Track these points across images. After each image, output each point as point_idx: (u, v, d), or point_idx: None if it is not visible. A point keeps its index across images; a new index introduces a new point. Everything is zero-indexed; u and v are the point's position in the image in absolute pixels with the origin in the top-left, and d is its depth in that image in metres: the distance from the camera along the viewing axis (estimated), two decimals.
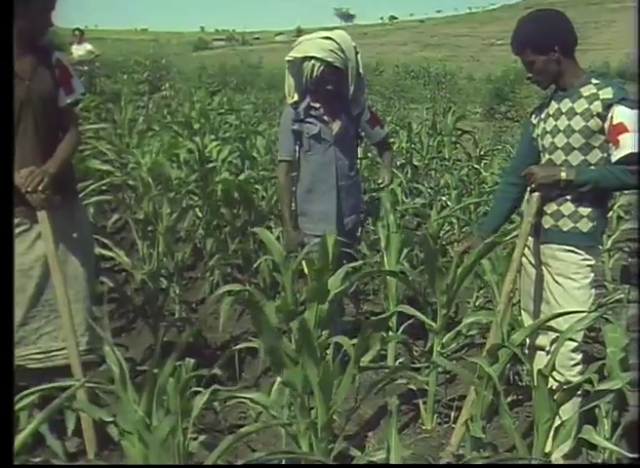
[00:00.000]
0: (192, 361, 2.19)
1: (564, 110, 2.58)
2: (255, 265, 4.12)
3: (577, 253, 2.58)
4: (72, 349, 2.45)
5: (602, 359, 2.47)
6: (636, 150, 2.40)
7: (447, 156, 7.67)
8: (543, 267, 2.71)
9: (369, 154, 6.52)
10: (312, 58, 3.22)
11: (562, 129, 2.57)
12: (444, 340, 3.04)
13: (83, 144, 5.54)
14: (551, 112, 2.65)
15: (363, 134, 3.60)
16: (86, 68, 11.68)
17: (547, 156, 2.65)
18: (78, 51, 12.14)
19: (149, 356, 3.56)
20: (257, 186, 5.16)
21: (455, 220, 5.08)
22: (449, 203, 5.23)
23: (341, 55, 3.24)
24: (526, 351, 2.78)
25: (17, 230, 2.55)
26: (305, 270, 3.00)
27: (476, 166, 6.68)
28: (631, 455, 2.08)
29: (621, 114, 2.44)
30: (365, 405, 3.04)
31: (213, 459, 1.78)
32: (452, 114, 8.67)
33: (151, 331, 3.77)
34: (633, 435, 2.23)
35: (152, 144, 5.86)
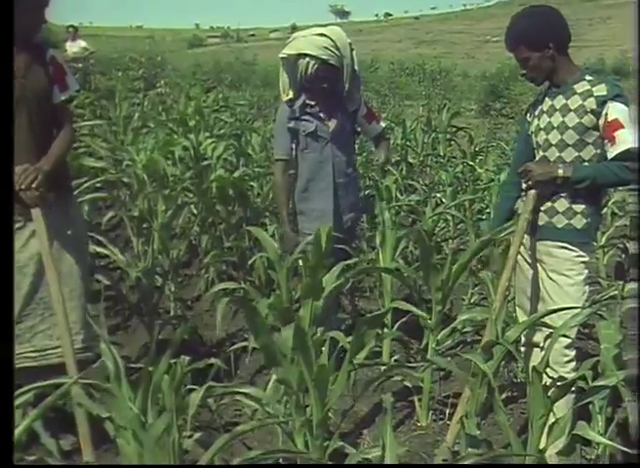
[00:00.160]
0: (187, 358, 2.19)
1: (558, 107, 2.59)
2: (250, 263, 4.12)
3: (571, 249, 2.59)
4: (67, 347, 2.44)
5: (596, 355, 2.48)
6: (634, 145, 2.41)
7: (442, 153, 7.68)
8: (538, 264, 2.71)
9: (364, 153, 6.53)
10: (306, 55, 3.20)
11: (556, 125, 2.58)
12: (439, 337, 3.05)
13: (77, 142, 5.53)
14: (545, 109, 2.65)
15: (359, 129, 3.57)
16: (80, 65, 11.64)
17: (541, 153, 2.66)
18: (72, 48, 12.10)
19: (144, 354, 3.56)
20: (252, 183, 5.16)
21: (449, 217, 5.08)
22: (444, 200, 5.23)
23: (336, 52, 3.22)
24: (521, 348, 2.79)
25: None
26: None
27: (471, 163, 6.68)
28: (631, 451, 2.09)
29: (616, 110, 2.45)
30: (360, 402, 3.05)
31: (208, 458, 1.78)
32: (447, 111, 8.68)
33: (146, 329, 3.77)
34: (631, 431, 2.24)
35: (147, 141, 5.84)
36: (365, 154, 6.82)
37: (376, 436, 2.82)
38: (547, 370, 2.46)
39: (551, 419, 2.08)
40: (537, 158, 2.69)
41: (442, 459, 2.37)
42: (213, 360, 2.38)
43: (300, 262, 3.01)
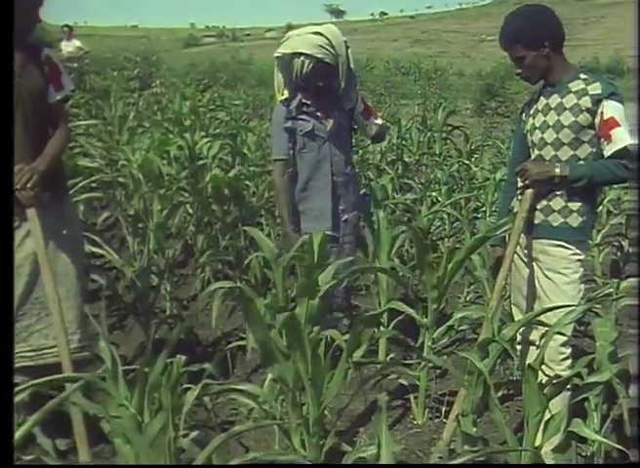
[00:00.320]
0: (183, 358, 2.19)
1: (553, 106, 2.59)
2: (246, 262, 4.12)
3: (567, 247, 2.60)
4: (63, 347, 2.44)
5: (592, 353, 2.48)
6: (630, 143, 2.42)
7: (437, 152, 7.69)
8: (534, 262, 2.72)
9: (360, 151, 6.53)
10: (301, 54, 3.17)
11: (551, 124, 2.58)
12: (435, 335, 3.05)
13: (73, 141, 5.52)
14: (540, 108, 2.66)
15: (356, 126, 3.55)
16: (75, 65, 11.62)
17: (537, 151, 2.66)
18: (67, 47, 12.07)
19: (141, 353, 3.55)
20: (247, 183, 5.16)
21: (445, 216, 5.09)
22: (439, 198, 5.24)
23: (332, 50, 3.20)
24: (517, 346, 2.80)
25: None
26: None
27: (466, 161, 6.69)
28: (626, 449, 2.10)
29: (612, 109, 2.46)
30: (357, 400, 3.05)
31: (204, 457, 1.78)
32: (442, 110, 8.69)
33: (142, 329, 3.76)
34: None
35: (142, 141, 5.85)
36: (361, 153, 6.83)
37: (372, 434, 2.82)
38: (543, 367, 2.47)
39: (547, 417, 2.09)
40: (532, 157, 2.69)
41: (438, 457, 2.38)
42: (206, 365, 2.38)
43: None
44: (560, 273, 2.60)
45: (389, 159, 6.88)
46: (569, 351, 2.63)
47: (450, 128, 8.50)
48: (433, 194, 5.41)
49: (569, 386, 2.39)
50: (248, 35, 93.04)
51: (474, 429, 2.35)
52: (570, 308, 2.35)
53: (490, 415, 2.72)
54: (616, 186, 5.60)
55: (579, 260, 2.62)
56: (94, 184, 5.16)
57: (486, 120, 14.65)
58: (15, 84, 2.50)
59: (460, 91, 21.52)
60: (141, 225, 4.59)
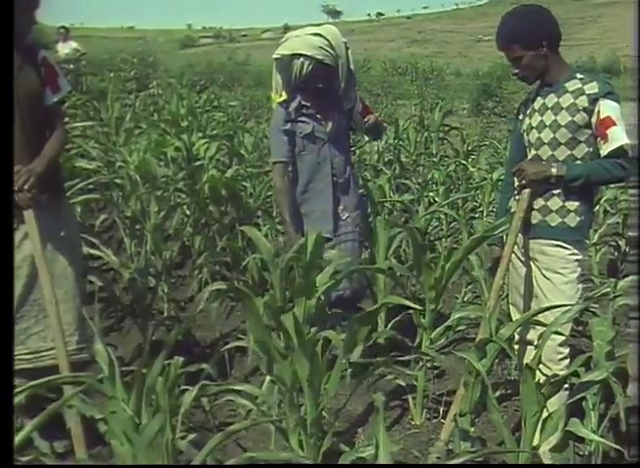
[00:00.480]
0: (181, 359, 2.19)
1: (549, 105, 2.59)
2: (243, 263, 4.11)
3: (564, 247, 2.60)
4: (60, 349, 2.43)
5: (589, 352, 2.49)
6: (627, 142, 2.42)
7: (434, 152, 7.69)
8: (532, 262, 2.72)
9: (357, 151, 6.53)
10: (301, 55, 3.14)
11: (548, 124, 2.59)
12: (433, 336, 3.05)
13: (70, 143, 5.51)
14: (537, 107, 2.66)
15: (354, 126, 3.52)
16: (72, 66, 11.59)
17: (533, 151, 2.66)
18: (64, 49, 12.05)
19: (138, 355, 3.55)
20: (244, 183, 5.16)
21: (442, 216, 5.09)
22: (436, 199, 5.24)
23: (331, 51, 3.17)
24: (515, 346, 2.80)
25: None
26: None
27: (463, 161, 6.69)
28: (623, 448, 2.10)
29: (608, 108, 2.46)
30: (355, 401, 3.05)
31: (201, 458, 1.78)
32: (439, 110, 8.69)
33: (140, 330, 3.76)
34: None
35: (139, 142, 5.83)
36: (358, 153, 6.83)
37: (370, 435, 2.82)
38: (541, 367, 2.47)
39: (544, 416, 2.09)
40: (529, 156, 2.70)
41: (436, 457, 2.38)
42: (205, 365, 2.38)
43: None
44: (558, 273, 2.61)
45: (386, 159, 6.87)
46: (567, 351, 2.64)
47: (447, 128, 8.51)
48: (430, 194, 5.41)
49: (566, 385, 2.39)
50: (245, 36, 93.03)
51: (472, 429, 2.35)
52: (567, 307, 2.36)
53: (488, 415, 2.72)
54: (612, 186, 5.60)
55: (576, 260, 2.62)
56: (91, 186, 5.15)
57: (483, 120, 14.69)
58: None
59: (457, 91, 21.54)
60: (139, 227, 4.59)
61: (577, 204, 2.59)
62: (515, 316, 2.82)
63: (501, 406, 3.13)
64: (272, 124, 3.41)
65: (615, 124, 2.45)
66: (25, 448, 2.40)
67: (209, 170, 5.06)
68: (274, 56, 3.29)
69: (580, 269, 2.65)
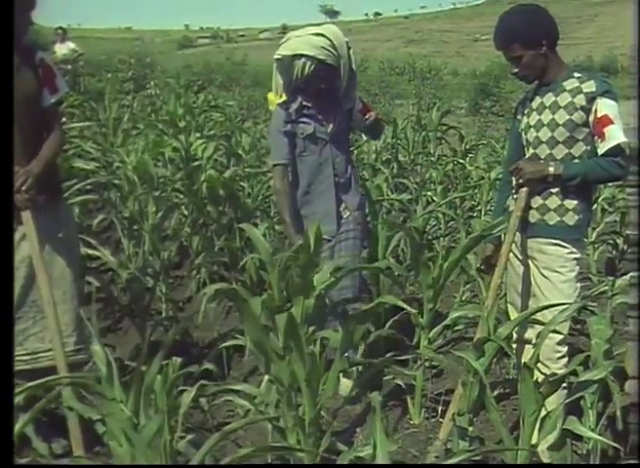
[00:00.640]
0: (179, 359, 2.19)
1: (547, 104, 2.60)
2: (241, 263, 4.11)
3: (563, 246, 2.60)
4: (58, 350, 2.43)
5: (587, 351, 2.49)
6: (624, 140, 2.43)
7: (432, 151, 7.68)
8: (530, 261, 2.72)
9: (355, 151, 6.52)
10: (303, 55, 3.09)
11: (546, 123, 2.59)
12: (431, 335, 3.05)
13: (67, 144, 5.51)
14: (534, 106, 2.66)
15: (353, 125, 3.48)
16: (69, 67, 11.59)
17: (531, 150, 2.66)
18: (61, 50, 12.05)
19: (136, 355, 3.55)
20: (242, 184, 5.15)
21: (440, 215, 5.09)
22: (434, 198, 5.24)
23: (333, 51, 3.12)
24: (513, 345, 2.80)
25: None
26: None
27: (461, 161, 6.69)
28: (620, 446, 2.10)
29: (606, 106, 2.46)
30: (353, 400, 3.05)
31: (199, 457, 1.78)
32: (437, 110, 8.68)
33: (138, 331, 3.76)
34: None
35: (137, 143, 5.83)
36: (356, 153, 6.82)
37: (368, 434, 2.83)
38: (540, 366, 2.47)
39: (543, 415, 2.10)
40: (527, 155, 2.70)
41: (434, 457, 2.38)
42: (206, 364, 2.38)
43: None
44: (556, 272, 2.61)
45: (384, 159, 6.87)
46: (565, 349, 2.64)
47: (444, 127, 8.50)
48: (428, 194, 5.41)
49: (565, 384, 2.40)
50: (242, 36, 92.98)
51: (470, 428, 2.35)
52: (565, 306, 2.36)
53: (486, 414, 2.73)
54: (610, 184, 5.61)
55: (575, 259, 2.62)
56: (89, 186, 5.15)
57: (480, 119, 14.71)
58: None
59: (455, 90, 21.58)
60: (137, 227, 4.59)
61: (575, 202, 2.59)
62: (513, 315, 2.82)
63: (500, 405, 3.13)
64: (272, 125, 3.35)
65: (612, 122, 2.45)
66: (24, 450, 2.41)
67: (207, 170, 5.06)
68: (275, 56, 3.23)
69: (578, 268, 2.65)
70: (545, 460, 2.32)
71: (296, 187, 3.32)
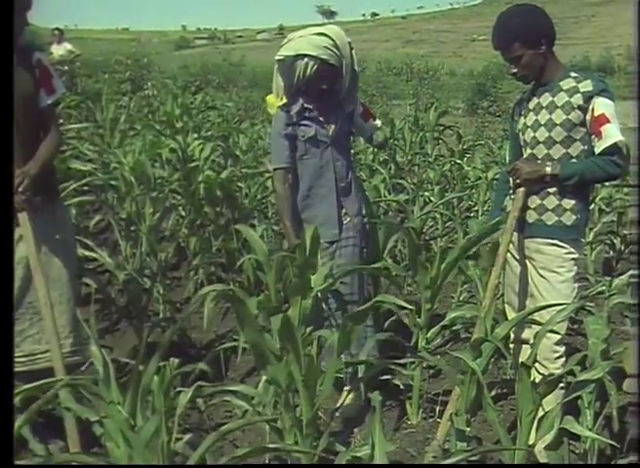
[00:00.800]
0: (176, 360, 2.19)
1: (544, 104, 2.60)
2: (238, 264, 4.11)
3: (561, 246, 2.60)
4: (55, 351, 2.43)
5: (585, 351, 2.50)
6: (621, 139, 2.43)
7: (429, 152, 7.68)
8: (527, 261, 2.72)
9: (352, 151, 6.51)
10: (305, 55, 3.03)
11: (543, 123, 2.59)
12: (428, 335, 3.05)
13: (64, 145, 5.51)
14: (532, 107, 2.66)
15: (354, 129, 3.43)
16: (66, 68, 11.58)
17: (529, 150, 2.67)
18: (58, 50, 12.03)
19: (134, 357, 3.54)
20: (239, 184, 5.15)
21: (438, 216, 5.10)
22: (432, 198, 5.24)
23: (336, 51, 3.06)
24: (510, 345, 2.80)
25: None
26: None
27: (459, 161, 6.70)
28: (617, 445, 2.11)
29: (602, 105, 2.47)
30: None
31: (196, 458, 1.78)
32: (434, 110, 8.68)
33: (135, 332, 3.75)
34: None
35: (134, 144, 5.83)
36: (352, 153, 6.81)
37: (366, 434, 2.83)
38: (537, 366, 2.48)
39: (540, 415, 2.10)
40: (524, 156, 2.70)
41: (432, 457, 2.38)
42: (201, 364, 2.38)
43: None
44: (554, 272, 2.61)
45: (381, 159, 6.87)
46: (563, 350, 2.64)
47: (442, 128, 8.50)
48: (426, 194, 5.41)
49: (562, 384, 2.40)
50: (240, 37, 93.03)
51: (468, 428, 2.35)
52: (562, 306, 2.36)
53: (483, 414, 2.73)
54: (607, 184, 5.62)
55: (573, 259, 2.63)
56: (86, 187, 5.15)
57: (478, 119, 14.73)
58: None
59: (452, 90, 21.61)
60: (134, 228, 4.58)
61: (573, 202, 2.59)
62: (511, 315, 2.82)
63: (497, 405, 3.13)
64: (273, 128, 3.28)
65: (609, 121, 2.45)
66: (21, 451, 2.41)
67: (204, 171, 5.06)
68: (277, 57, 3.16)
69: (576, 268, 2.65)
70: (543, 460, 2.33)
71: (296, 191, 3.26)
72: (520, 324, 2.63)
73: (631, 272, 3.60)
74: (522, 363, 2.13)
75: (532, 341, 2.46)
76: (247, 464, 1.85)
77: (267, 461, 2.43)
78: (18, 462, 2.01)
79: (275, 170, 3.24)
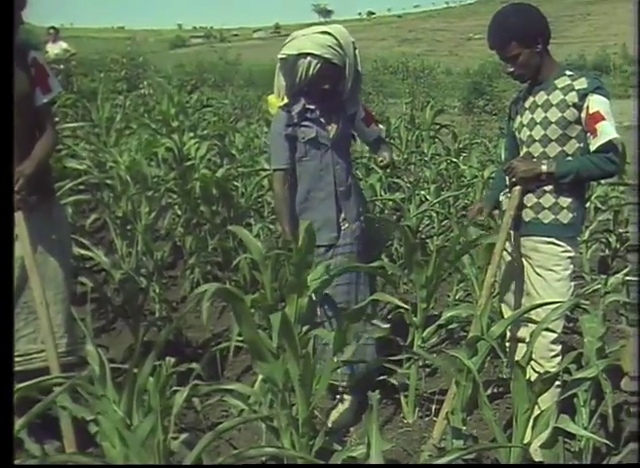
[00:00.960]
0: (172, 360, 2.18)
1: (540, 103, 2.61)
2: (234, 263, 4.11)
3: (558, 244, 2.61)
4: (51, 351, 2.43)
5: (580, 349, 2.50)
6: (616, 136, 2.43)
7: (425, 150, 7.69)
8: (524, 260, 2.73)
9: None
10: (308, 54, 2.97)
11: (539, 121, 2.60)
12: (424, 334, 3.06)
13: (60, 144, 5.49)
14: (527, 105, 2.67)
15: (356, 133, 3.37)
16: (62, 67, 11.55)
17: (525, 149, 2.67)
18: (53, 49, 12.00)
19: (130, 356, 3.54)
20: (235, 183, 5.15)
21: (434, 214, 5.10)
22: (428, 197, 5.24)
23: (340, 50, 3.00)
24: (507, 343, 2.81)
25: None
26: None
27: (455, 160, 6.70)
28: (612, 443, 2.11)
29: (597, 103, 2.47)
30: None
31: (193, 457, 1.78)
32: (430, 108, 8.70)
33: (131, 331, 3.75)
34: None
35: (130, 143, 5.82)
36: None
37: (362, 433, 2.83)
38: (534, 364, 2.48)
39: (536, 413, 2.10)
40: (521, 154, 2.71)
41: (428, 455, 2.39)
42: (195, 364, 2.37)
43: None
44: (551, 270, 2.61)
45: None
46: (559, 348, 2.65)
47: (438, 126, 8.52)
48: (422, 193, 5.41)
49: (558, 383, 2.40)
50: (236, 36, 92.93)
51: (464, 427, 2.36)
52: (557, 304, 2.37)
53: (479, 413, 2.74)
54: (603, 182, 5.63)
55: (569, 257, 2.63)
56: (81, 186, 5.14)
57: (473, 118, 14.74)
58: None
59: (448, 89, 21.62)
60: (130, 227, 4.57)
61: (569, 200, 2.60)
62: (507, 314, 2.82)
63: (493, 403, 3.14)
64: (273, 129, 3.22)
65: (604, 118, 2.46)
66: (16, 452, 2.40)
67: (200, 170, 5.05)
68: (279, 56, 3.09)
69: (572, 266, 2.66)
70: (538, 458, 2.33)
71: (294, 192, 3.19)
72: (516, 322, 2.64)
73: (628, 269, 3.61)
74: (517, 361, 2.14)
75: (528, 340, 2.47)
76: (244, 464, 1.84)
77: (264, 460, 2.43)
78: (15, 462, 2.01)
79: (274, 171, 3.18)
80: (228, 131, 7.04)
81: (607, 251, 5.10)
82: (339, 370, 2.84)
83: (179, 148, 5.38)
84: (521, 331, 2.75)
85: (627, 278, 3.59)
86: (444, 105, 15.92)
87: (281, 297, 2.92)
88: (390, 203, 5.22)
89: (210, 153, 5.73)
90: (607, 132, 2.45)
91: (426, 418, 3.08)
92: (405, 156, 7.53)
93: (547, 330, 2.44)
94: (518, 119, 2.72)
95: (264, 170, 5.05)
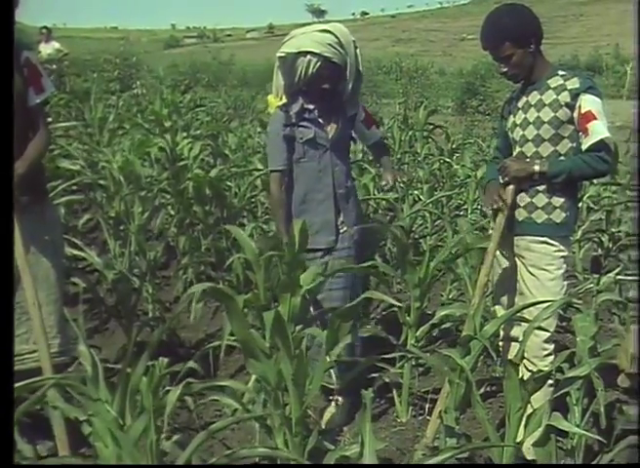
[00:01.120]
0: (165, 360, 2.18)
1: (532, 102, 2.61)
2: (227, 263, 4.10)
3: (551, 244, 2.62)
4: (43, 351, 2.42)
5: (573, 348, 2.51)
6: (608, 136, 2.44)
7: (419, 150, 7.70)
8: (517, 259, 2.73)
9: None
10: (308, 53, 2.90)
11: (531, 121, 2.60)
12: (417, 333, 3.06)
13: (53, 144, 5.48)
14: (520, 105, 2.68)
15: (356, 135, 3.31)
16: (54, 67, 11.52)
17: (518, 149, 2.68)
18: (46, 49, 11.96)
19: (123, 356, 3.53)
20: (229, 183, 5.15)
21: (427, 214, 5.10)
22: (421, 197, 5.25)
23: (340, 49, 2.94)
24: (500, 343, 2.82)
25: None
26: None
27: (448, 160, 6.71)
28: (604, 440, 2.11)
29: (589, 102, 2.48)
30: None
31: (185, 457, 1.78)
32: (423, 109, 8.70)
33: (124, 332, 3.74)
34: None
35: (123, 143, 5.81)
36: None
37: (356, 432, 2.83)
38: (526, 363, 2.49)
39: (529, 412, 2.11)
40: (514, 154, 2.72)
41: (422, 454, 2.39)
42: (191, 363, 2.37)
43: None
44: (544, 269, 2.62)
45: (371, 158, 6.88)
46: (552, 347, 2.66)
47: (431, 126, 8.52)
48: (415, 193, 5.42)
49: (551, 381, 2.41)
50: (229, 36, 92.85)
51: (457, 426, 2.36)
52: (549, 303, 2.38)
53: (472, 412, 2.74)
54: (595, 182, 5.65)
55: (562, 257, 2.64)
56: (74, 187, 5.12)
57: (467, 118, 14.76)
58: None
59: (442, 89, 21.65)
60: (123, 227, 4.56)
61: (562, 200, 2.61)
62: (500, 313, 2.83)
63: (486, 402, 3.14)
64: (271, 129, 3.14)
65: (596, 118, 2.47)
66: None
67: (193, 170, 5.04)
68: (278, 54, 3.02)
69: (565, 266, 2.67)
70: (530, 457, 2.34)
71: (291, 193, 3.14)
72: (509, 321, 2.64)
73: (620, 268, 3.63)
74: (510, 360, 2.14)
75: (520, 339, 2.48)
76: (237, 464, 1.84)
77: (257, 460, 2.43)
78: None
79: (271, 172, 3.12)
80: (221, 131, 7.04)
81: (599, 250, 5.12)
82: (332, 372, 2.84)
83: (171, 148, 5.37)
84: (514, 330, 2.76)
85: (619, 277, 3.60)
86: (437, 105, 15.97)
87: (274, 297, 2.92)
88: (384, 203, 5.22)
89: (203, 153, 5.73)
90: (599, 131, 2.46)
91: (420, 417, 3.08)
92: (398, 156, 7.53)
93: (540, 328, 2.45)
94: (511, 119, 2.72)
95: (258, 170, 5.05)
